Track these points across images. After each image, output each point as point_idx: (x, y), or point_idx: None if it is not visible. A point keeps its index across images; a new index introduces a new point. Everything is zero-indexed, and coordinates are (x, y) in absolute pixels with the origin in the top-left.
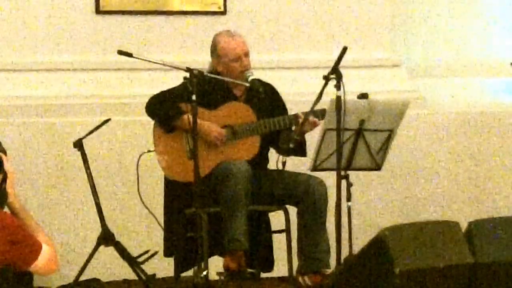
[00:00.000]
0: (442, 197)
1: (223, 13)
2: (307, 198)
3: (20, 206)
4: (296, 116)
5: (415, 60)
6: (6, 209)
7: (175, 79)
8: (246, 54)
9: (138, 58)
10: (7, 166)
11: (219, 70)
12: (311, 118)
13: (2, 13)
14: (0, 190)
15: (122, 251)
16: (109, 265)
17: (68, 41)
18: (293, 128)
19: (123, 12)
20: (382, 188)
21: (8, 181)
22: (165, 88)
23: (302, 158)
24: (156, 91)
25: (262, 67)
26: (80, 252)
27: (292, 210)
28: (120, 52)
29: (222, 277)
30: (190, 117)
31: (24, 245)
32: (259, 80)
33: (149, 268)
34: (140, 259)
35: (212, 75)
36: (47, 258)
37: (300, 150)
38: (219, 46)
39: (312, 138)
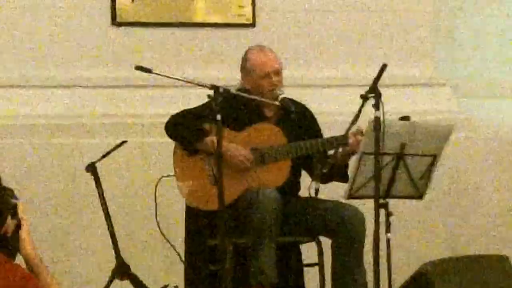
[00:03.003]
0: (490, 229)
1: (252, 25)
2: (342, 229)
3: (36, 257)
4: (329, 140)
5: (461, 78)
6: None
7: (198, 98)
8: (277, 72)
9: (158, 74)
10: (21, 213)
11: (247, 87)
12: (359, 137)
13: (11, 25)
14: (13, 240)
15: (139, 285)
16: None
17: (81, 55)
18: (329, 152)
19: (141, 24)
20: (424, 219)
21: (23, 228)
22: (187, 107)
23: (337, 184)
24: (177, 110)
25: (294, 84)
26: (93, 285)
27: (326, 242)
28: (138, 68)
29: None
30: (214, 138)
31: None
32: (290, 99)
33: None
34: None
35: (239, 93)
36: None
37: (341, 174)
38: (248, 61)
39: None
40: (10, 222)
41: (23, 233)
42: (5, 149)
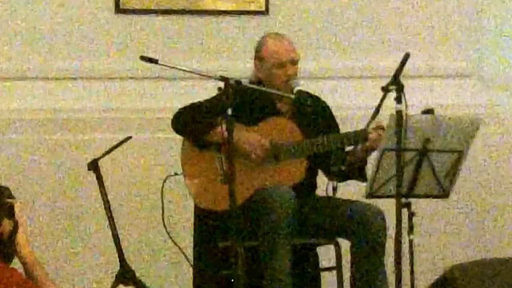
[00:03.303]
0: None
1: (265, 13)
2: (362, 230)
3: (33, 259)
4: (348, 135)
5: (490, 69)
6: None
7: (207, 90)
8: (293, 62)
9: (164, 66)
10: (19, 214)
11: (260, 78)
12: (380, 132)
13: (10, 15)
14: (9, 242)
15: None
16: None
17: (82, 45)
18: (347, 148)
19: (147, 12)
20: (449, 219)
21: (20, 230)
22: (195, 101)
23: (357, 183)
24: (185, 103)
25: (309, 76)
26: None
27: (345, 244)
28: (143, 58)
29: None
30: (225, 127)
31: None
32: (306, 92)
33: None
34: None
35: (252, 86)
36: None
37: (359, 173)
38: (263, 48)
39: (368, 160)
40: (6, 223)
41: (20, 235)
42: (1, 146)
